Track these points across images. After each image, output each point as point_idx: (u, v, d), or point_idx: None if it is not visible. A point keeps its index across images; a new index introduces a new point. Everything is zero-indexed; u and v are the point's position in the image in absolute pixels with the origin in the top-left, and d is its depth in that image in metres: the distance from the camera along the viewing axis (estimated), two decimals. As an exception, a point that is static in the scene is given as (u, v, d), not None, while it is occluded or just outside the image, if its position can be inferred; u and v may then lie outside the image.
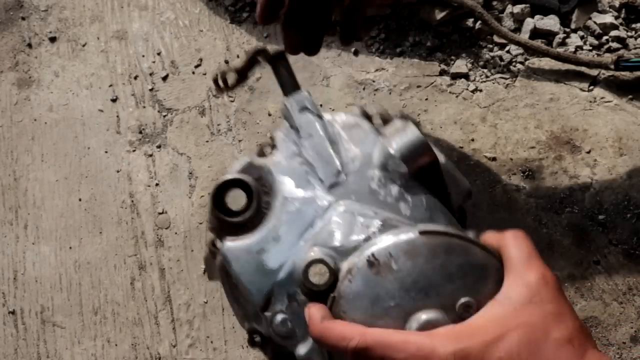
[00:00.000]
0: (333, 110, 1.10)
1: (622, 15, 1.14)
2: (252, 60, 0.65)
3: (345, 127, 0.52)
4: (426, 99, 1.09)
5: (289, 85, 0.61)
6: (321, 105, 1.10)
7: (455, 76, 1.10)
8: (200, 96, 1.14)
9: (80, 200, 1.08)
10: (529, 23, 1.13)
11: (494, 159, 1.05)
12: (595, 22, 1.13)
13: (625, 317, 0.96)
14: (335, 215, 0.48)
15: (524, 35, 1.12)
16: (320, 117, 0.54)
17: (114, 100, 1.15)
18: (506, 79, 1.11)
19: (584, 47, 1.12)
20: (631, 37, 1.13)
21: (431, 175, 0.49)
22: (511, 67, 1.12)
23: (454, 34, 1.14)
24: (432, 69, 1.12)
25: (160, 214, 1.06)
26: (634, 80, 1.09)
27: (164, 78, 1.16)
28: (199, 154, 1.10)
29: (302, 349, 0.48)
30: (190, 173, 1.09)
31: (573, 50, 1.12)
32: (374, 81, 1.12)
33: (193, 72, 1.16)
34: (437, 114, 1.06)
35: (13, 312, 1.02)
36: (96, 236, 1.05)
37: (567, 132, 1.07)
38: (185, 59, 1.18)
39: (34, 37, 1.21)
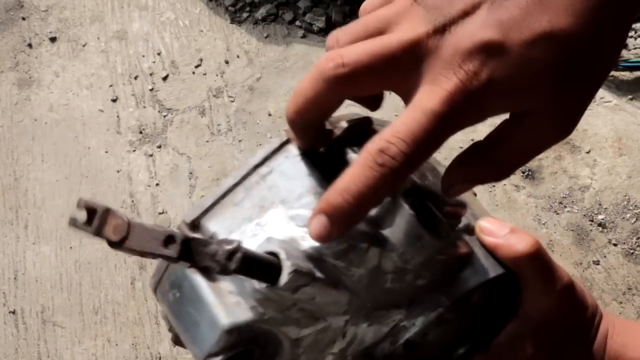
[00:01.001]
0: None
1: (622, 16, 1.14)
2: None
3: (336, 256, 0.40)
4: (426, 99, 1.09)
5: None
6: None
7: (455, 76, 1.11)
8: (200, 96, 1.15)
9: (80, 200, 1.08)
10: (529, 23, 1.13)
11: (493, 159, 1.05)
12: (594, 22, 1.13)
13: (624, 317, 0.96)
14: (357, 330, 0.43)
15: (524, 36, 1.13)
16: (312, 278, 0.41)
17: (114, 100, 1.15)
18: (506, 79, 1.11)
19: (584, 47, 1.13)
20: (630, 37, 1.13)
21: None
22: (511, 67, 1.12)
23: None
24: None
25: (160, 213, 1.06)
26: (634, 80, 1.09)
27: (164, 78, 1.16)
28: (199, 154, 1.10)
29: None
30: (191, 173, 1.09)
31: (573, 50, 1.12)
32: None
33: (193, 72, 1.17)
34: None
35: (14, 312, 1.02)
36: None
37: (567, 132, 1.07)
38: (186, 59, 1.18)
39: (35, 37, 1.21)
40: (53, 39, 1.21)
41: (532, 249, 0.43)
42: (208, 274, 0.40)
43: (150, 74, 1.17)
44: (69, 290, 1.03)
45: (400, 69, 0.33)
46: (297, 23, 1.20)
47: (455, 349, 0.47)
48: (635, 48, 1.11)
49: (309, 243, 0.38)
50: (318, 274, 0.38)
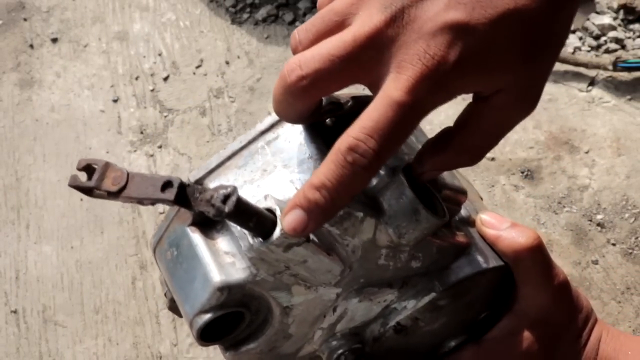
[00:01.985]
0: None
1: (620, 17, 1.14)
2: None
3: (331, 222, 0.40)
4: (425, 100, 1.09)
5: None
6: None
7: (455, 77, 1.11)
8: (201, 97, 1.15)
9: (81, 200, 1.08)
10: (528, 24, 1.14)
11: (492, 159, 1.05)
12: (593, 23, 1.14)
13: (623, 317, 0.96)
14: (348, 305, 0.43)
15: (523, 36, 1.13)
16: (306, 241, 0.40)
17: (115, 101, 1.16)
18: (505, 79, 1.12)
19: (582, 48, 1.13)
20: (629, 38, 1.13)
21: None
22: (510, 68, 1.13)
23: (453, 35, 1.15)
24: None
25: (161, 213, 1.07)
26: (632, 80, 1.10)
27: (165, 79, 1.17)
28: (200, 154, 1.10)
29: None
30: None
31: (571, 51, 1.12)
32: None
33: (194, 73, 1.17)
34: (437, 114, 1.07)
35: (15, 312, 1.02)
36: (97, 236, 1.06)
37: (566, 132, 1.08)
38: (186, 59, 1.18)
39: (36, 38, 1.22)
40: (54, 40, 1.21)
41: (535, 242, 0.43)
42: (206, 228, 0.40)
43: (151, 75, 1.17)
44: (70, 289, 1.03)
45: (361, 65, 0.32)
46: (298, 24, 1.21)
47: (446, 340, 0.46)
48: (633, 49, 1.12)
49: None
50: (312, 237, 0.37)
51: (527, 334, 0.43)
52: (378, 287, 0.42)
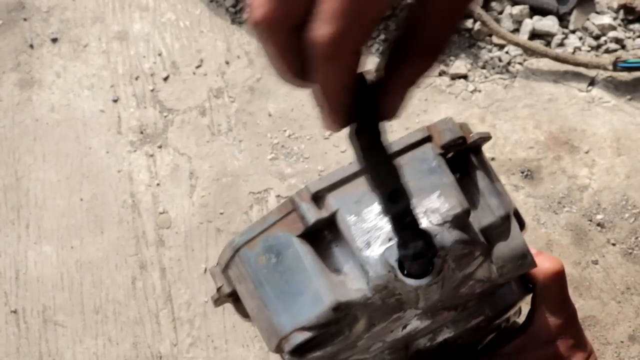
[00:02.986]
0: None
1: (620, 17, 1.14)
2: None
3: (455, 259, 0.40)
4: (425, 100, 1.09)
5: None
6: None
7: (455, 77, 1.11)
8: (201, 97, 1.15)
9: (81, 200, 1.08)
10: (528, 24, 1.14)
11: (492, 159, 1.05)
12: (593, 23, 1.14)
13: (623, 316, 0.96)
14: (417, 324, 0.43)
15: (523, 36, 1.13)
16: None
17: (115, 101, 1.16)
18: (505, 79, 1.12)
19: (582, 48, 1.13)
20: (629, 38, 1.13)
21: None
22: (510, 68, 1.13)
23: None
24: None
25: (161, 213, 1.07)
26: (632, 80, 1.10)
27: (165, 79, 1.17)
28: (200, 154, 1.10)
29: None
30: (191, 173, 1.09)
31: (571, 51, 1.12)
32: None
33: (194, 73, 1.17)
34: (437, 114, 1.07)
35: (15, 312, 1.02)
36: (97, 236, 1.06)
37: (566, 132, 1.08)
38: (186, 59, 1.18)
39: (36, 38, 1.22)
40: (54, 40, 1.21)
41: (561, 267, 0.47)
42: (314, 242, 0.40)
43: (151, 75, 1.17)
44: (70, 289, 1.03)
45: None
46: (297, 24, 1.21)
47: (468, 350, 0.48)
48: (633, 49, 1.12)
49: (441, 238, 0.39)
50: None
51: (537, 353, 0.46)
52: (447, 311, 0.43)
